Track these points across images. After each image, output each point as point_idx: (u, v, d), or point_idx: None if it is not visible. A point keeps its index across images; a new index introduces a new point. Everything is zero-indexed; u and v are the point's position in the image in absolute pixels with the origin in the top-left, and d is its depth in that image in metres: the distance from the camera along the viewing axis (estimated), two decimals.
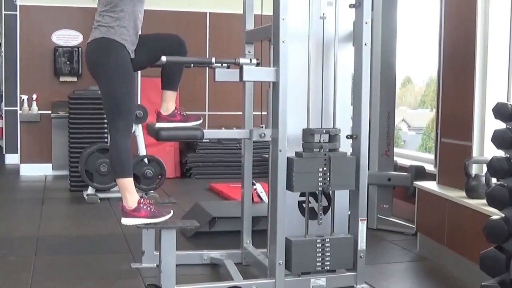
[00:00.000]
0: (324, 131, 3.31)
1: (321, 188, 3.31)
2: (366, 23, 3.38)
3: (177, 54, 3.40)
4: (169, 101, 3.48)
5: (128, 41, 3.28)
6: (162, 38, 3.51)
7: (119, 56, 3.25)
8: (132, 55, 3.31)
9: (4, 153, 8.87)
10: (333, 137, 3.33)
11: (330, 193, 3.49)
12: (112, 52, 3.25)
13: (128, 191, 3.26)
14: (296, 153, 3.31)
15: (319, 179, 3.28)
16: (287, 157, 3.27)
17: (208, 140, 7.59)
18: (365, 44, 3.39)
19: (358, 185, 3.40)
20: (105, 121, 6.68)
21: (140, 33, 3.38)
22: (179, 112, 3.49)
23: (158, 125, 3.44)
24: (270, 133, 3.34)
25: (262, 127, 3.48)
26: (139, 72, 6.70)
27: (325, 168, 3.28)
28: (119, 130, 3.25)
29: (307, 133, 3.30)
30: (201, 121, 3.53)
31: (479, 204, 3.62)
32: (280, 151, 3.27)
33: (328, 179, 3.29)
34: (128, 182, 3.28)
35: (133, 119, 3.37)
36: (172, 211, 3.34)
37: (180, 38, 3.48)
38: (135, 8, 3.30)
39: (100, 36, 3.27)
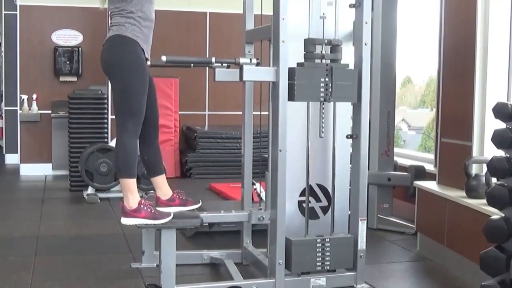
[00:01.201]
0: (326, 41, 3.29)
1: (322, 99, 3.27)
2: (366, 23, 3.38)
3: (149, 136, 3.42)
4: (163, 186, 3.51)
5: (141, 38, 3.26)
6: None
7: (134, 53, 3.23)
8: (147, 55, 3.30)
9: (4, 153, 8.87)
10: (334, 47, 3.31)
11: (330, 191, 3.49)
12: (126, 48, 3.24)
13: (131, 191, 3.26)
14: (298, 63, 3.28)
15: (321, 90, 3.25)
16: (289, 68, 3.23)
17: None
18: (365, 44, 3.38)
19: (360, 98, 3.37)
20: (105, 121, 6.70)
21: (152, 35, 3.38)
22: (177, 196, 3.50)
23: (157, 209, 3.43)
24: (269, 216, 3.37)
25: (260, 209, 3.55)
26: None
27: (327, 79, 3.26)
28: (128, 129, 3.23)
29: (309, 43, 3.27)
30: (199, 204, 3.56)
31: (479, 204, 3.62)
32: (280, 151, 3.27)
33: (330, 90, 3.26)
34: (131, 183, 3.27)
35: (142, 119, 3.31)
36: (172, 214, 3.33)
37: (156, 123, 3.50)
38: (144, 9, 3.31)
39: (113, 34, 3.27)
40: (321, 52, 3.29)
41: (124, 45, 3.24)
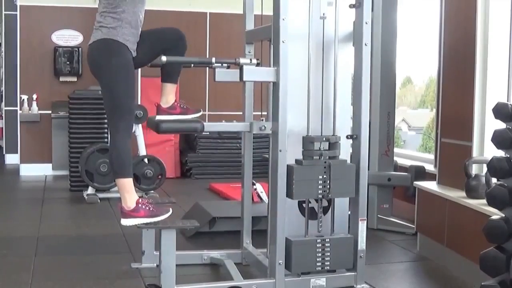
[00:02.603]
0: (324, 138, 3.32)
1: (321, 196, 3.32)
2: (366, 23, 3.38)
3: (176, 48, 3.41)
4: (169, 94, 3.49)
5: (130, 41, 3.29)
6: (162, 32, 3.51)
7: (122, 57, 3.25)
8: (134, 54, 3.32)
9: (4, 153, 8.87)
10: (333, 144, 3.33)
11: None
12: (115, 53, 3.25)
13: (127, 191, 3.27)
14: (296, 160, 3.31)
15: (319, 187, 3.29)
16: (287, 165, 3.28)
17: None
18: (365, 44, 3.39)
19: (358, 192, 3.41)
20: (105, 121, 6.68)
21: (139, 33, 3.38)
22: (179, 105, 3.50)
23: (158, 117, 3.45)
24: (271, 126, 3.33)
25: (262, 120, 3.47)
26: (139, 72, 6.72)
27: (325, 176, 3.29)
28: (120, 130, 3.26)
29: (307, 141, 3.31)
30: (200, 113, 3.54)
31: (479, 204, 3.62)
32: (280, 151, 3.27)
33: (328, 186, 3.30)
34: (127, 183, 3.28)
35: (133, 119, 3.39)
36: (171, 209, 3.34)
37: (180, 32, 3.47)
38: (136, 9, 3.31)
39: (102, 37, 3.27)
40: (320, 149, 3.30)
41: (113, 49, 3.26)
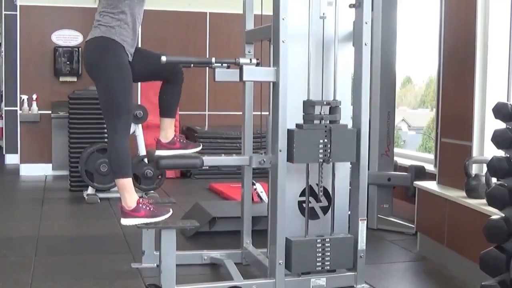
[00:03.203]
0: (324, 102, 3.31)
1: (321, 160, 3.30)
2: (366, 23, 3.38)
3: (174, 81, 3.43)
4: (168, 128, 3.50)
5: (128, 42, 3.28)
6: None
7: (118, 56, 3.25)
8: (130, 58, 3.31)
9: (4, 153, 8.87)
10: (333, 108, 3.32)
11: (330, 191, 3.49)
12: (111, 52, 3.24)
13: (127, 191, 3.27)
14: (297, 124, 3.29)
15: (320, 151, 3.27)
16: (288, 129, 3.26)
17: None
18: (365, 44, 3.39)
19: (358, 157, 3.39)
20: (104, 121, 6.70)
21: (137, 35, 3.37)
22: (178, 140, 3.50)
23: (158, 152, 3.45)
24: (270, 160, 3.34)
25: (262, 153, 3.50)
26: None
27: (325, 140, 3.27)
28: (117, 130, 3.25)
29: (308, 105, 3.29)
30: (200, 148, 3.55)
31: (479, 204, 3.62)
32: (280, 151, 3.27)
33: (329, 151, 3.28)
34: (127, 183, 3.28)
35: (131, 119, 3.38)
36: (171, 210, 3.34)
37: (180, 68, 3.47)
38: (134, 10, 3.30)
39: (100, 35, 3.26)
40: (320, 113, 3.29)
41: (110, 48, 3.25)
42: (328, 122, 3.31)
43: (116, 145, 3.25)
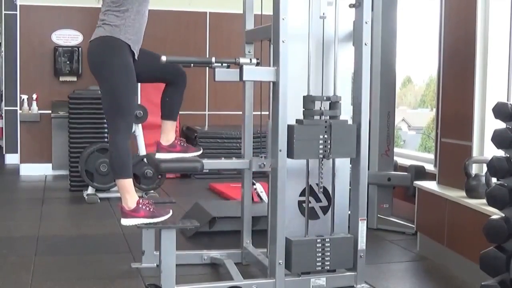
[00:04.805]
0: (324, 98, 3.31)
1: (321, 156, 3.30)
2: (366, 23, 3.38)
3: (176, 83, 3.44)
4: (169, 132, 3.50)
5: (133, 40, 3.28)
6: (169, 65, 3.46)
7: (123, 56, 3.24)
8: (136, 56, 3.31)
9: (4, 153, 8.87)
10: (333, 104, 3.32)
11: (330, 191, 3.50)
12: (116, 51, 3.24)
13: (128, 191, 3.27)
14: (297, 120, 3.29)
15: (320, 147, 3.27)
16: (288, 125, 3.26)
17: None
18: (365, 44, 3.39)
19: (359, 153, 3.39)
20: (105, 120, 6.69)
21: (143, 34, 3.37)
22: (179, 143, 3.50)
23: (158, 155, 3.45)
24: (270, 164, 3.34)
25: (262, 157, 3.49)
26: None
27: (325, 136, 3.27)
28: (119, 130, 3.25)
29: (308, 100, 3.29)
30: (200, 152, 3.55)
31: (479, 204, 3.62)
32: (280, 151, 3.27)
33: (329, 146, 3.27)
34: (127, 183, 3.28)
35: (133, 119, 3.38)
36: (171, 211, 3.34)
37: (183, 70, 3.47)
38: (140, 8, 3.30)
39: (105, 34, 3.26)
40: (320, 108, 3.29)
41: (114, 48, 3.24)
42: (328, 117, 3.30)
43: (118, 145, 3.25)
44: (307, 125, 3.26)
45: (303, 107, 3.30)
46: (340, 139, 3.30)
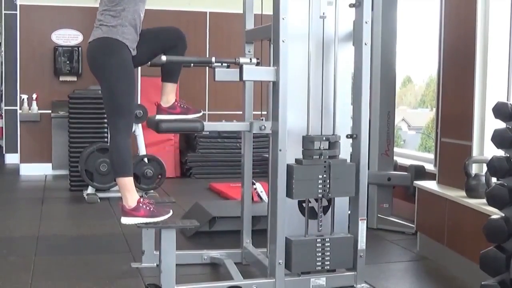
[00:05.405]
0: (324, 138, 3.31)
1: (321, 195, 3.32)
2: (366, 22, 3.38)
3: (176, 48, 3.40)
4: (169, 93, 3.48)
5: (130, 40, 3.28)
6: (162, 31, 3.50)
7: (121, 56, 3.25)
8: (134, 53, 3.32)
9: (4, 153, 8.87)
10: (333, 144, 3.33)
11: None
12: (114, 51, 3.25)
13: (128, 190, 3.27)
14: (296, 160, 3.31)
15: (319, 186, 3.28)
16: (287, 164, 3.27)
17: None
18: (365, 44, 3.38)
19: (358, 192, 3.41)
20: (105, 120, 6.69)
21: (140, 32, 3.38)
22: (179, 104, 3.49)
23: (158, 117, 3.44)
24: (270, 126, 3.33)
25: (262, 119, 3.47)
26: (139, 71, 6.72)
27: (325, 175, 3.28)
28: (120, 130, 3.26)
29: (307, 140, 3.30)
30: (201, 113, 3.54)
31: (479, 203, 3.61)
32: (280, 150, 3.26)
33: (328, 186, 3.29)
34: (128, 182, 3.28)
35: (133, 119, 3.38)
36: (171, 211, 3.34)
37: (180, 32, 3.47)
38: (136, 7, 3.30)
39: (102, 35, 3.27)
40: (320, 148, 3.30)
41: (113, 48, 3.25)
42: (327, 157, 3.30)
43: (118, 144, 3.25)
44: (306, 165, 3.26)
45: (302, 147, 3.31)
46: (340, 178, 3.31)
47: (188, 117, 3.47)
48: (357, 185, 3.40)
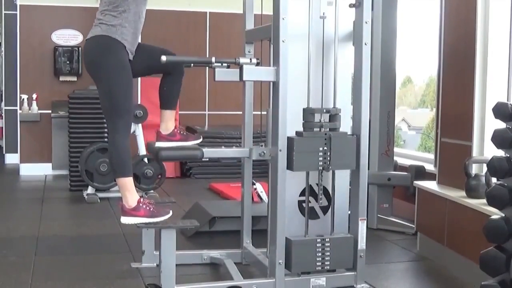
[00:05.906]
0: (324, 110, 3.31)
1: (321, 168, 3.30)
2: (366, 22, 3.38)
3: (174, 72, 3.42)
4: (169, 120, 3.49)
5: (129, 41, 3.28)
6: (162, 53, 3.44)
7: (119, 55, 3.24)
8: (131, 57, 3.31)
9: (4, 153, 8.87)
10: (333, 116, 3.33)
11: (330, 191, 3.50)
12: (112, 51, 3.24)
13: (128, 190, 3.27)
14: (297, 132, 3.30)
15: (320, 159, 3.27)
16: (288, 137, 3.26)
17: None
18: (365, 44, 3.39)
19: (358, 165, 3.39)
20: (104, 120, 6.70)
21: (140, 34, 3.37)
22: (178, 131, 3.50)
23: (158, 144, 3.44)
24: (270, 152, 3.34)
25: (261, 145, 3.49)
26: None
27: (325, 148, 3.27)
28: (118, 129, 3.25)
29: (307, 112, 3.29)
30: (200, 140, 3.54)
31: (479, 204, 3.62)
32: (280, 151, 3.27)
33: (329, 158, 3.28)
34: (128, 182, 3.28)
35: (131, 118, 3.38)
36: (171, 211, 3.34)
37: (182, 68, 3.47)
38: (137, 9, 3.30)
39: (101, 33, 3.26)
40: (320, 120, 3.30)
41: (110, 47, 3.24)
42: (328, 129, 3.30)
43: (117, 144, 3.25)
44: (307, 137, 3.26)
45: (303, 119, 3.31)
46: (340, 151, 3.31)
47: (188, 144, 3.48)
48: (358, 159, 3.39)
